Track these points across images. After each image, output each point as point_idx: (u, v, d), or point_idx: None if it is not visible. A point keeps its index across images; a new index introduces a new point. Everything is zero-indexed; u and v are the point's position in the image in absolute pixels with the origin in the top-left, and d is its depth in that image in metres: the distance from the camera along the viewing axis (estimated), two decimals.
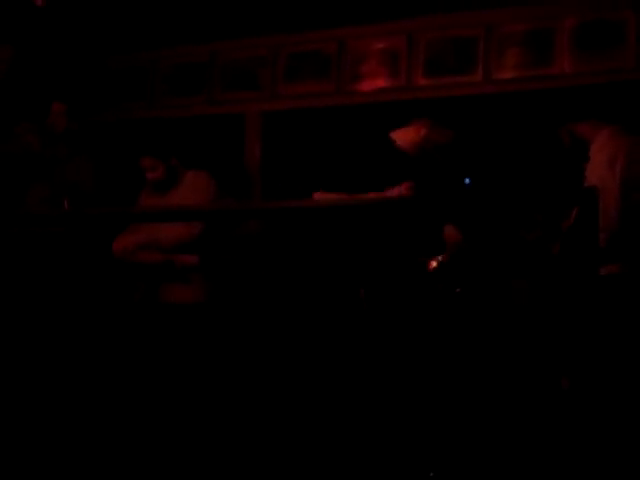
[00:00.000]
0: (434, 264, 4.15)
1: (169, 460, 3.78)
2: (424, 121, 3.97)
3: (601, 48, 4.66)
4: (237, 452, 3.85)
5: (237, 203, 4.63)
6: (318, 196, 3.81)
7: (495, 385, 4.00)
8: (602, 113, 3.82)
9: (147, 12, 5.38)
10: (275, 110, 5.43)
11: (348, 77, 5.24)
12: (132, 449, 3.88)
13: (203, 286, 4.42)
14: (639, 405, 3.55)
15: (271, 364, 4.52)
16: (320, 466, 3.64)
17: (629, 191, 3.64)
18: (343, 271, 3.89)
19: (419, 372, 3.79)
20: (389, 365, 3.83)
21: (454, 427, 3.74)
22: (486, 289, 4.24)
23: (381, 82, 5.17)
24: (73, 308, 4.56)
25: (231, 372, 4.36)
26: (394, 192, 4.08)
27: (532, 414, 3.82)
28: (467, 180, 5.22)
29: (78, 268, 4.64)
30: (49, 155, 4.66)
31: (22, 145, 4.61)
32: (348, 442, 3.68)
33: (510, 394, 3.98)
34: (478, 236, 4.47)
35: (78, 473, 3.64)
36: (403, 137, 3.96)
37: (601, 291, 3.11)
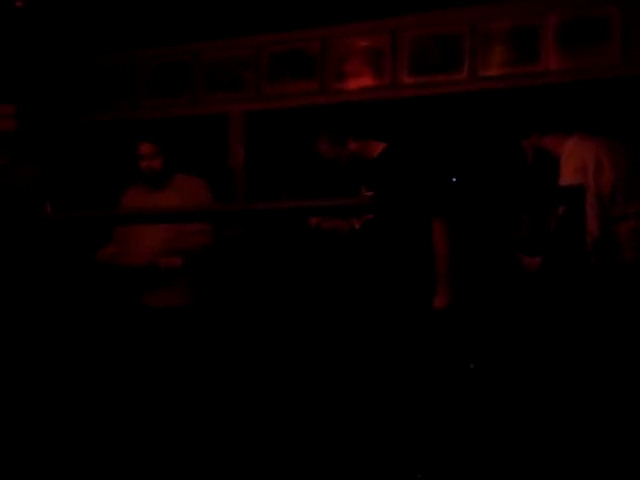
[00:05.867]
0: None
1: (152, 465, 3.75)
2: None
3: (586, 45, 4.64)
4: (220, 458, 3.82)
5: (223, 205, 4.58)
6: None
7: (477, 387, 3.98)
8: (587, 110, 3.79)
9: (129, 12, 5.32)
10: (259, 110, 5.39)
11: (332, 76, 5.20)
12: (114, 453, 3.86)
13: (188, 289, 4.37)
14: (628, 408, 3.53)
15: (256, 367, 4.49)
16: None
17: (602, 193, 3.61)
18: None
19: (402, 373, 3.77)
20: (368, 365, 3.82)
21: (438, 430, 3.72)
22: (473, 289, 4.22)
23: (366, 81, 5.13)
24: (56, 312, 4.52)
25: (215, 375, 4.33)
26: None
27: (517, 417, 3.80)
28: (453, 179, 5.19)
29: (62, 272, 4.60)
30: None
31: None
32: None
33: (491, 396, 3.96)
34: (465, 236, 4.44)
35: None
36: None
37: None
